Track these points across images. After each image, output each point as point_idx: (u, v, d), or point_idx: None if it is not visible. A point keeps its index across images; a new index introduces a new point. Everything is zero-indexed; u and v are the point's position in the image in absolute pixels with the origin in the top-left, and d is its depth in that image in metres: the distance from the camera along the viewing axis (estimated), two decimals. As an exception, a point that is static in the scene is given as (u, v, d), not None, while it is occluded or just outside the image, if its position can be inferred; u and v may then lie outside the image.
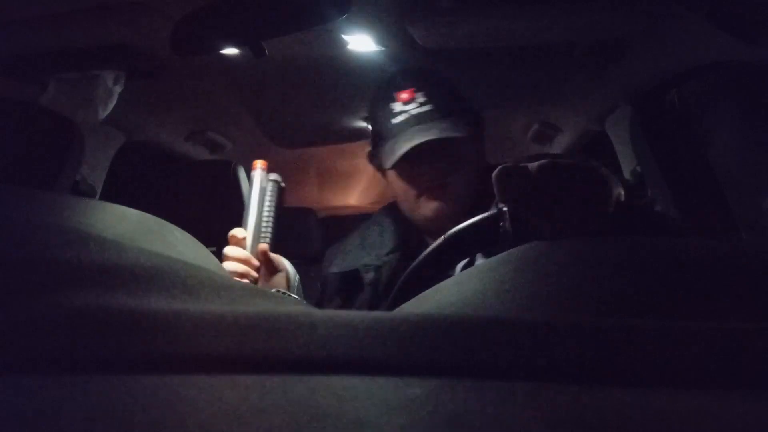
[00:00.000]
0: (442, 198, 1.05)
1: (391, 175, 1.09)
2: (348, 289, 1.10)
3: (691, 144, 1.29)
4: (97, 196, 1.48)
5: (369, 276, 1.08)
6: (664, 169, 1.30)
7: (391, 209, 1.18)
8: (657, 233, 0.55)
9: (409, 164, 1.05)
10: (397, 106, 1.05)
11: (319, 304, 1.13)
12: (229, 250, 0.87)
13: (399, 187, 1.10)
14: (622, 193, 0.54)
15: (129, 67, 1.26)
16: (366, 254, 1.11)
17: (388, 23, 1.15)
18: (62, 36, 1.12)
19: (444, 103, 1.05)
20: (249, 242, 0.92)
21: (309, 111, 1.74)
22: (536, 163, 0.54)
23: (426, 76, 1.09)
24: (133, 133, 1.62)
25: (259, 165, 0.96)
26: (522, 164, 0.55)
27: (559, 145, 1.82)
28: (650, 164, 1.33)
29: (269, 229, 0.94)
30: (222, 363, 0.28)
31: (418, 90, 1.05)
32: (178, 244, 0.57)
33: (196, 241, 0.61)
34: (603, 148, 1.55)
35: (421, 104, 1.04)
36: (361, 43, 1.23)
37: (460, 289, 0.43)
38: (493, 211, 0.63)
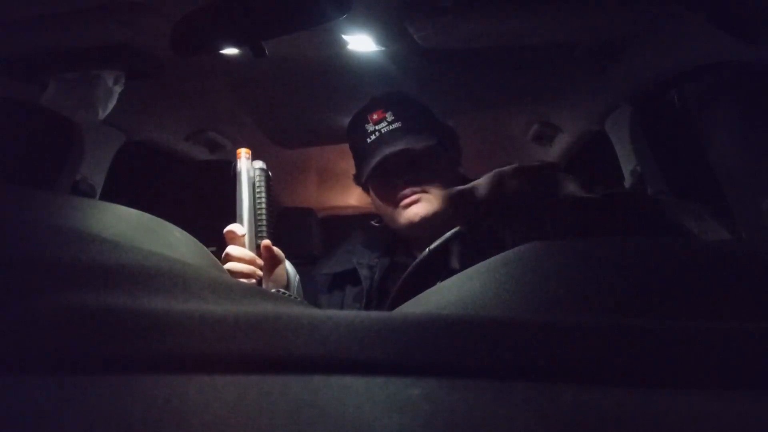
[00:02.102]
0: (416, 207, 1.13)
1: (371, 190, 1.19)
2: (340, 286, 1.18)
3: (691, 144, 1.29)
4: (97, 196, 1.48)
5: (364, 272, 1.16)
6: (664, 169, 1.30)
7: (378, 221, 1.27)
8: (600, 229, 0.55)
9: (382, 178, 1.15)
10: (370, 127, 1.15)
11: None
12: (232, 249, 0.88)
13: (377, 200, 1.19)
14: (575, 188, 0.54)
15: (129, 67, 1.26)
16: (359, 256, 1.19)
17: (388, 23, 1.15)
18: (62, 36, 1.12)
19: (412, 120, 1.14)
20: (247, 238, 0.89)
21: (309, 111, 1.74)
22: (480, 181, 0.56)
23: (396, 99, 1.19)
24: (133, 133, 1.62)
25: (243, 154, 0.92)
26: (467, 186, 0.57)
27: (559, 145, 1.82)
28: (650, 164, 1.33)
29: (264, 220, 0.90)
30: (222, 363, 0.28)
31: (386, 110, 1.15)
32: (178, 244, 0.57)
33: (196, 241, 0.61)
34: (603, 148, 1.55)
35: (390, 122, 1.14)
36: (361, 43, 1.23)
37: (460, 289, 0.43)
38: (455, 230, 0.65)
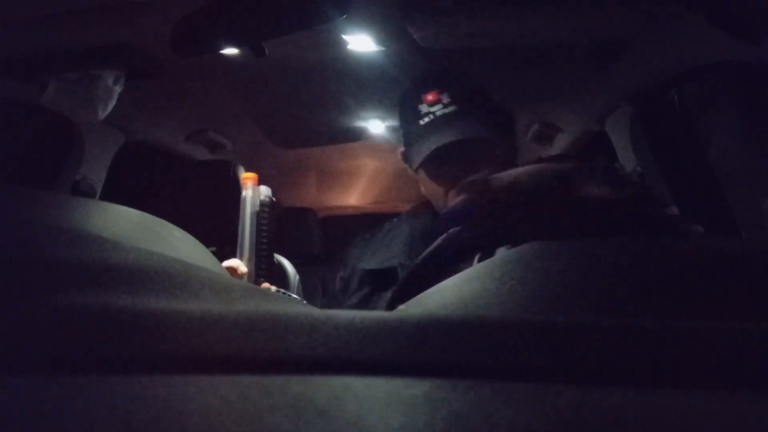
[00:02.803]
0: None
1: (421, 174, 1.12)
2: (381, 284, 1.10)
3: (691, 144, 1.29)
4: (97, 196, 1.48)
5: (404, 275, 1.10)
6: (664, 169, 1.30)
7: (418, 210, 1.20)
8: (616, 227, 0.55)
9: (435, 164, 1.08)
10: (424, 108, 1.08)
11: (339, 297, 1.13)
12: None
13: (428, 186, 1.12)
14: (596, 188, 0.54)
15: (129, 67, 1.26)
16: (401, 253, 1.11)
17: (388, 23, 1.15)
18: (62, 36, 1.12)
19: (469, 103, 1.08)
20: (248, 277, 0.83)
21: (309, 111, 1.73)
22: (500, 175, 0.55)
23: (451, 78, 1.12)
24: (133, 133, 1.62)
25: (249, 183, 0.85)
26: (480, 177, 0.56)
27: (559, 145, 1.82)
28: (650, 164, 1.33)
29: (266, 257, 0.85)
30: (222, 363, 0.28)
31: (443, 91, 1.08)
32: (178, 244, 0.57)
33: (196, 241, 0.61)
34: (603, 148, 1.55)
35: (446, 105, 1.07)
36: (361, 43, 1.23)
37: (460, 289, 0.43)
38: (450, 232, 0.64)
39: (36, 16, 1.01)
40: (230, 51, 1.20)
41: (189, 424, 0.23)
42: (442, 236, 0.70)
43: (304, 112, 1.74)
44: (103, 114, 1.26)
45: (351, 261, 1.16)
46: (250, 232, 0.83)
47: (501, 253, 0.50)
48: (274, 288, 0.86)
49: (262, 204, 0.85)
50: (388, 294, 1.08)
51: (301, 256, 1.70)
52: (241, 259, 0.83)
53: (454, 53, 1.27)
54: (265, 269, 0.84)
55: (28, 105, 1.19)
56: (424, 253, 0.75)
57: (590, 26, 1.18)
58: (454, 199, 1.08)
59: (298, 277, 1.14)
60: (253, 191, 0.85)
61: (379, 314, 0.30)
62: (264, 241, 0.84)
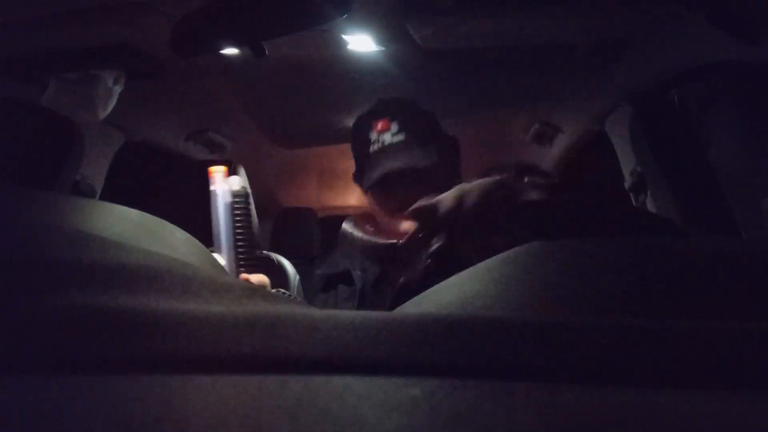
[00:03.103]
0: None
1: (369, 197, 1.18)
2: (334, 285, 1.16)
3: (692, 144, 1.29)
4: (97, 196, 1.48)
5: (357, 273, 1.14)
6: (665, 169, 1.30)
7: (366, 217, 1.26)
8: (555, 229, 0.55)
9: (381, 190, 1.13)
10: (373, 135, 1.13)
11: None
12: None
13: (375, 209, 1.17)
14: (535, 193, 0.55)
15: (129, 67, 1.26)
16: (352, 260, 1.17)
17: (388, 23, 1.15)
18: (62, 36, 1.12)
19: (417, 132, 1.12)
20: (227, 270, 0.80)
21: (309, 111, 1.73)
22: (443, 196, 0.57)
23: (402, 107, 1.16)
24: (133, 133, 1.62)
25: (218, 175, 0.81)
26: (430, 202, 0.58)
27: (559, 145, 1.82)
28: (650, 164, 1.33)
29: (245, 249, 0.81)
30: (222, 363, 0.28)
31: (392, 120, 1.12)
32: (178, 244, 0.57)
33: (196, 241, 0.61)
34: (603, 148, 1.55)
35: (394, 134, 1.11)
36: (361, 43, 1.23)
37: (460, 289, 0.43)
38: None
39: (36, 16, 1.01)
40: (230, 51, 1.20)
41: (189, 424, 0.23)
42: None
43: (304, 112, 1.74)
44: (103, 114, 1.26)
45: (315, 272, 1.22)
46: (225, 225, 0.80)
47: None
48: (255, 279, 0.84)
49: (236, 195, 0.82)
50: (347, 290, 1.13)
51: (301, 256, 1.70)
52: (219, 253, 0.80)
53: (454, 53, 1.27)
54: (245, 261, 0.81)
55: (28, 105, 1.19)
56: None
57: (590, 26, 1.18)
58: (404, 226, 1.12)
59: (298, 277, 1.14)
60: (223, 183, 0.81)
61: (379, 314, 0.30)
62: (241, 232, 0.81)
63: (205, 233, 0.71)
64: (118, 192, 1.53)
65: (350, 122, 1.81)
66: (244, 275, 0.83)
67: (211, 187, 0.81)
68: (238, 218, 0.81)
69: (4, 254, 0.35)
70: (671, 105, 1.32)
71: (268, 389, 0.26)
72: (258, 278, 0.88)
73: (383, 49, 1.25)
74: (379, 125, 1.14)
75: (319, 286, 1.18)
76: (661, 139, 1.32)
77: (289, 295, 0.94)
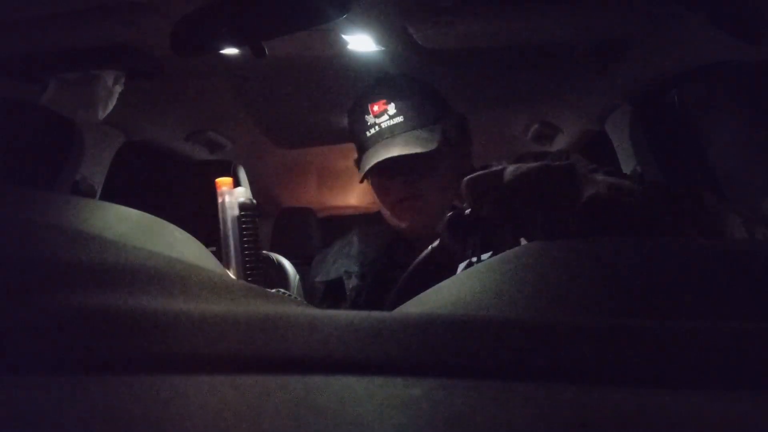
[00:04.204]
0: (414, 209, 1.06)
1: (370, 184, 1.11)
2: (333, 297, 1.10)
3: (691, 144, 1.29)
4: (97, 196, 1.48)
5: (351, 282, 1.07)
6: (665, 169, 1.30)
7: (376, 217, 1.19)
8: (637, 229, 0.54)
9: (379, 177, 1.07)
10: (370, 119, 1.06)
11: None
12: None
13: (375, 197, 1.12)
14: (601, 191, 0.53)
15: (129, 67, 1.26)
16: (349, 262, 1.11)
17: (388, 23, 1.14)
18: (62, 36, 1.12)
19: (415, 114, 1.05)
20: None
21: (309, 111, 1.73)
22: (507, 169, 0.55)
23: (400, 86, 1.09)
24: (133, 133, 1.62)
25: (224, 188, 0.82)
26: (493, 170, 0.55)
27: (559, 145, 1.82)
28: (650, 164, 1.33)
29: (255, 259, 0.82)
30: (222, 363, 0.28)
31: (389, 101, 1.05)
32: (178, 244, 0.57)
33: (196, 241, 0.61)
34: (603, 148, 1.55)
35: (392, 116, 1.04)
36: (361, 43, 1.23)
37: (460, 289, 0.43)
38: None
39: (36, 16, 1.01)
40: (230, 51, 1.20)
41: (189, 424, 0.23)
42: (429, 248, 0.69)
43: (304, 112, 1.74)
44: (103, 114, 1.26)
45: (312, 274, 1.17)
46: (234, 240, 0.80)
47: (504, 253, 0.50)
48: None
49: (243, 207, 0.82)
50: (341, 306, 1.07)
51: (301, 256, 1.70)
52: (227, 266, 0.80)
53: (454, 53, 1.27)
54: (253, 272, 0.82)
55: (28, 105, 1.19)
56: (424, 253, 0.75)
57: (591, 26, 1.18)
58: (400, 214, 1.06)
59: (298, 277, 1.14)
60: (229, 196, 0.82)
61: (379, 314, 0.30)
62: (248, 244, 0.81)
63: (205, 233, 0.71)
64: (118, 192, 1.53)
65: (350, 122, 1.81)
66: None
67: (219, 200, 0.81)
68: (245, 230, 0.81)
69: (4, 254, 0.35)
70: (671, 105, 1.32)
71: (268, 389, 0.26)
72: None
73: (383, 49, 1.25)
74: (375, 107, 1.06)
75: (319, 294, 1.12)
76: (661, 139, 1.32)
77: (289, 295, 0.94)
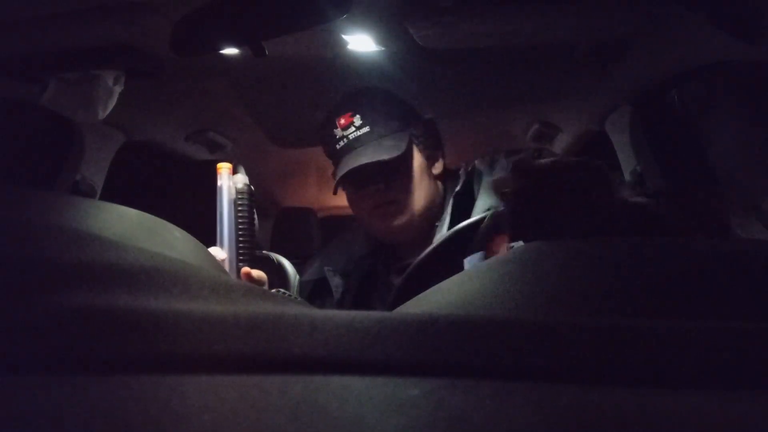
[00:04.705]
0: (389, 214, 1.09)
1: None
2: (318, 295, 1.13)
3: (691, 144, 1.29)
4: (97, 196, 1.48)
5: (335, 281, 1.11)
6: (664, 169, 1.30)
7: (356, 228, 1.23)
8: (655, 232, 0.55)
9: (350, 188, 1.12)
10: (338, 132, 1.11)
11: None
12: None
13: (351, 207, 1.16)
14: (623, 193, 0.54)
15: (129, 67, 1.26)
16: (333, 261, 1.15)
17: (388, 23, 1.14)
18: (62, 36, 1.12)
19: (381, 123, 1.09)
20: (228, 263, 0.83)
21: (309, 111, 1.73)
22: (547, 161, 0.55)
23: (365, 98, 1.13)
24: (133, 133, 1.62)
25: (224, 170, 0.86)
26: (544, 161, 0.56)
27: (559, 145, 1.82)
28: (650, 164, 1.33)
29: (246, 244, 0.84)
30: (222, 363, 0.28)
31: (354, 113, 1.10)
32: (178, 244, 0.57)
33: (196, 241, 0.61)
34: (603, 148, 1.55)
35: (358, 128, 1.09)
36: (361, 43, 1.23)
37: (460, 289, 0.43)
38: (480, 216, 0.64)
39: (36, 16, 1.01)
40: (230, 51, 1.20)
41: (189, 424, 0.23)
42: (430, 247, 0.70)
43: (304, 112, 1.74)
44: (103, 114, 1.26)
45: (303, 276, 1.20)
46: (228, 220, 0.84)
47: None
48: (255, 273, 0.86)
49: (240, 192, 0.85)
50: (323, 302, 1.10)
51: (301, 256, 1.70)
52: (221, 247, 0.83)
53: (454, 53, 1.27)
54: (245, 256, 0.84)
55: (28, 105, 1.19)
56: (426, 252, 0.75)
57: (590, 26, 1.18)
58: (375, 221, 1.08)
59: (298, 277, 1.14)
60: (228, 180, 0.85)
61: (379, 314, 0.30)
62: (243, 228, 0.84)
63: (205, 233, 0.71)
64: (118, 192, 1.53)
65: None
66: (245, 269, 0.84)
67: (218, 183, 0.84)
68: (241, 214, 0.84)
69: (4, 254, 0.35)
70: (671, 105, 1.32)
71: (268, 389, 0.26)
72: (258, 273, 0.89)
73: (383, 49, 1.25)
74: (342, 120, 1.10)
75: (306, 294, 1.15)
76: (661, 139, 1.32)
77: (289, 295, 0.94)
